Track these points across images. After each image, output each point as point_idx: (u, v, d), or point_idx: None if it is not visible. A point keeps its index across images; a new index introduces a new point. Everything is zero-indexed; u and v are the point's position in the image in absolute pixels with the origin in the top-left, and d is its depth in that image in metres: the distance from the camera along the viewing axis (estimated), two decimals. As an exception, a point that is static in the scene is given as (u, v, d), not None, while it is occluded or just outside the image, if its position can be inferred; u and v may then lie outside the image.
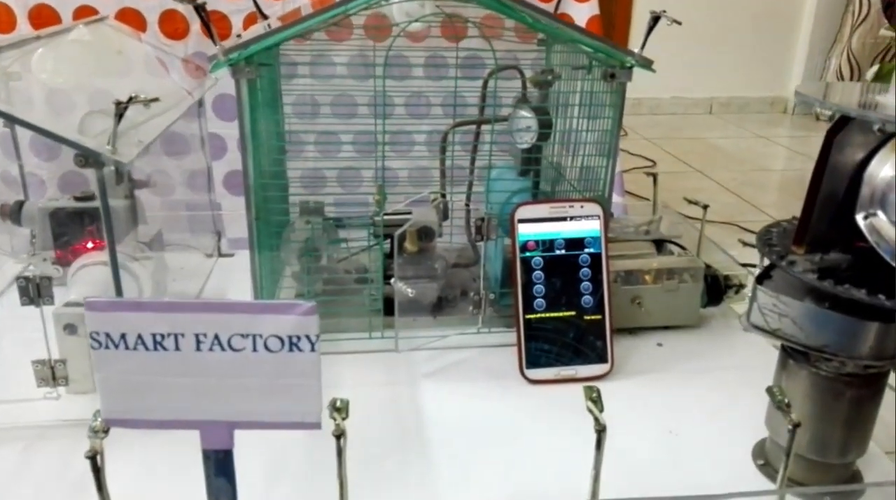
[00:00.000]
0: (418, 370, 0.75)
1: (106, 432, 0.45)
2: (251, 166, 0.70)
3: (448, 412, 0.69)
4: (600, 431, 0.49)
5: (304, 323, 0.42)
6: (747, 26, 3.14)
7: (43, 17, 1.01)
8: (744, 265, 0.87)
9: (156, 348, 0.42)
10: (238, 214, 1.11)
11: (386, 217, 0.77)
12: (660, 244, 0.92)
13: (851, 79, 3.03)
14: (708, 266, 0.83)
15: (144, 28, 1.04)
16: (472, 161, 0.84)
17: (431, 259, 0.83)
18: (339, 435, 0.47)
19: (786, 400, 0.52)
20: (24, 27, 1.02)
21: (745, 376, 0.76)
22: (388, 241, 0.79)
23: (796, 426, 0.51)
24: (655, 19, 0.67)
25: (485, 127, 0.87)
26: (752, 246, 0.83)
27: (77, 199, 0.89)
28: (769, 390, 0.54)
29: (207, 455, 0.46)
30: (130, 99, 0.55)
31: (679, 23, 0.65)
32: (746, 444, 0.65)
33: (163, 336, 0.42)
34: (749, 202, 2.04)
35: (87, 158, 0.54)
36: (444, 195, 0.78)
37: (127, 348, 0.42)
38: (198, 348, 0.43)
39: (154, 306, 0.42)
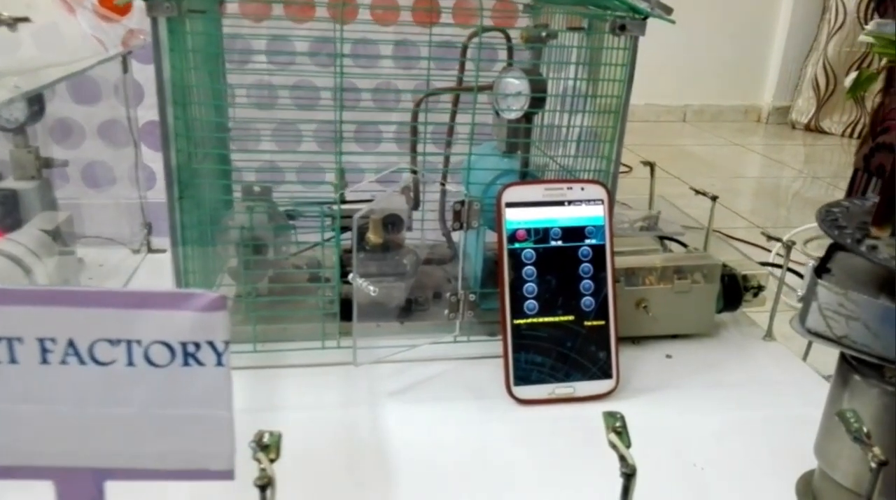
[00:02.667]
0: (381, 388, 0.61)
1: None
2: (171, 126, 0.56)
3: (418, 441, 0.55)
4: (629, 475, 0.36)
5: (208, 323, 0.28)
6: (722, 34, 3.11)
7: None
8: (764, 264, 0.76)
9: (-23, 361, 0.28)
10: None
11: (345, 206, 0.64)
12: (660, 242, 0.80)
13: (827, 88, 2.99)
14: (724, 265, 0.70)
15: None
16: (450, 130, 0.71)
17: (399, 254, 0.69)
18: (265, 485, 0.33)
19: (865, 430, 0.40)
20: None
21: (772, 394, 0.64)
22: (348, 233, 0.65)
23: (882, 464, 0.39)
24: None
25: (463, 101, 0.74)
26: (777, 239, 0.72)
27: (-31, 179, 0.74)
28: (842, 415, 0.41)
29: (66, 518, 0.31)
30: (-14, 17, 0.40)
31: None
32: (788, 478, 0.52)
33: (-12, 342, 0.28)
34: (729, 208, 1.98)
35: (-68, 101, 0.40)
36: (415, 172, 0.65)
37: (-67, 359, 0.28)
38: (44, 360, 0.28)
39: (-28, 296, 0.27)
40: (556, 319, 0.60)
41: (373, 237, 0.68)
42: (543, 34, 0.64)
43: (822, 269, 0.45)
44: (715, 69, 3.21)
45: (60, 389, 0.29)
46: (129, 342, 0.28)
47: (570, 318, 0.60)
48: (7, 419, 0.29)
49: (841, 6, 2.91)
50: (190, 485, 0.31)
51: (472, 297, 0.65)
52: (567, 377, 0.60)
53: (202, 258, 0.67)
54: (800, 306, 0.46)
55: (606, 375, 0.60)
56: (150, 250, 0.86)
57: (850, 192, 1.93)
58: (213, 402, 0.29)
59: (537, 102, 0.63)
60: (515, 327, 0.60)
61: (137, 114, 0.88)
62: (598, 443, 0.57)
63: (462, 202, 0.61)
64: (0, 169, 0.76)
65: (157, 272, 0.81)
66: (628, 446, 0.37)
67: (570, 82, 0.62)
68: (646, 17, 0.58)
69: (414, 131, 0.69)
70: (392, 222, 0.70)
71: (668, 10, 0.56)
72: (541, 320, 0.60)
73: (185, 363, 0.29)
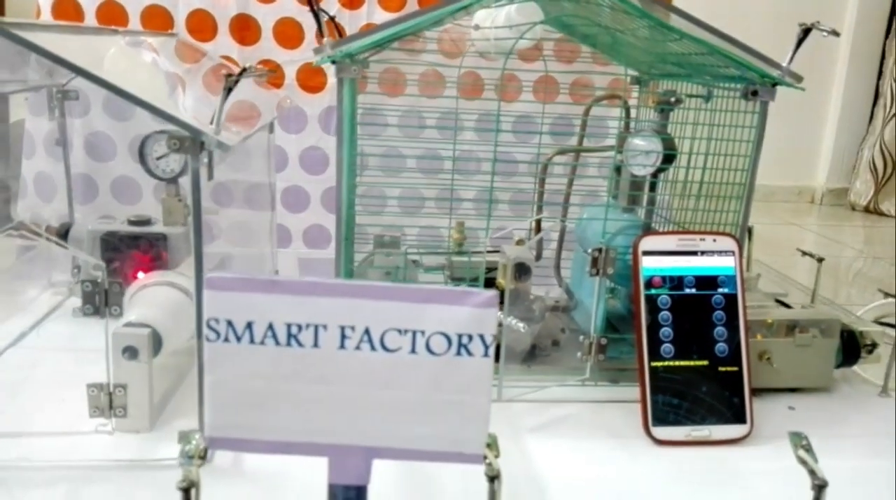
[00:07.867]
0: (522, 423, 0.64)
1: (203, 457, 0.35)
2: (345, 179, 0.62)
3: (564, 474, 0.57)
4: (821, 487, 0.39)
5: (481, 317, 0.33)
6: (772, 114, 3.15)
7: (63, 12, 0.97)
8: (882, 323, 0.78)
9: (289, 343, 0.33)
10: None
11: (472, 256, 0.69)
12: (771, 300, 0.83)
13: (885, 171, 3.01)
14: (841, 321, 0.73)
15: (172, 25, 0.98)
16: (568, 197, 0.77)
17: (528, 300, 0.74)
18: (494, 477, 0.36)
19: None
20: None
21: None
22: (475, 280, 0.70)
23: None
24: (806, 31, 0.60)
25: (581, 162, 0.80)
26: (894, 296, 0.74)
27: (132, 223, 0.81)
28: None
29: (334, 493, 0.35)
30: (244, 70, 0.47)
31: (837, 34, 0.58)
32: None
33: (300, 327, 0.33)
34: (794, 285, 1.98)
35: (184, 139, 0.47)
36: (562, 221, 0.70)
37: (252, 341, 0.33)
38: (342, 346, 0.33)
39: (293, 287, 0.32)
40: (692, 363, 0.63)
41: (504, 283, 0.72)
42: (672, 100, 0.70)
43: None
44: (767, 150, 3.24)
45: (351, 372, 0.33)
46: (414, 332, 0.33)
47: (705, 363, 0.63)
48: (299, 400, 0.34)
49: (892, 93, 2.96)
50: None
51: (603, 341, 0.68)
52: (703, 421, 0.62)
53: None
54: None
55: (740, 420, 0.63)
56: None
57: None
58: (475, 390, 0.34)
59: (667, 160, 0.68)
60: (653, 370, 0.63)
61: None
62: (739, 486, 0.59)
63: (600, 250, 0.65)
64: (150, 215, 0.84)
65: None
66: (815, 462, 0.40)
67: (696, 142, 0.67)
68: (776, 85, 0.63)
69: (541, 191, 0.75)
70: (520, 271, 0.74)
71: (799, 79, 0.62)
72: (677, 363, 0.63)
73: (458, 353, 0.33)
